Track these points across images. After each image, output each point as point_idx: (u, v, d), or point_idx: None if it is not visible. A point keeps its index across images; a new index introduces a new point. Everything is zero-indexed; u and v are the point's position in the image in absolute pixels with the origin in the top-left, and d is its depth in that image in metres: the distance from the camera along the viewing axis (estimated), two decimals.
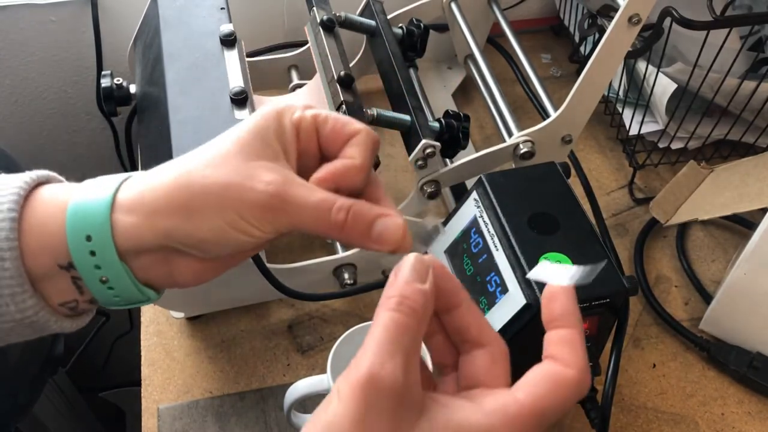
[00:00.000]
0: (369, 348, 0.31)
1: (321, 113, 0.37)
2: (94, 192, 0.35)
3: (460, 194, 0.77)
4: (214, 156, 0.35)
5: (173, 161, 0.36)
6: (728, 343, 0.71)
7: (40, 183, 0.36)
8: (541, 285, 0.54)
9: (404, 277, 0.33)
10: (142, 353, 0.70)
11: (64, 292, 0.35)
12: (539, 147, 0.69)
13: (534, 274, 0.37)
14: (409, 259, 0.34)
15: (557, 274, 0.36)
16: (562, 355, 0.33)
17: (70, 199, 0.35)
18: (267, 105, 0.37)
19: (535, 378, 0.33)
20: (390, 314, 0.32)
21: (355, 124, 0.37)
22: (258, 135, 0.35)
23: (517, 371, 0.63)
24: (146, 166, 0.67)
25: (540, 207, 0.60)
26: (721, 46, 0.71)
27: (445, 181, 0.69)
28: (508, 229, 0.58)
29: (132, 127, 0.96)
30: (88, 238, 0.34)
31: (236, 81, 0.66)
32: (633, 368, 0.71)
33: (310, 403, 0.61)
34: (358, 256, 0.69)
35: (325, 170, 0.36)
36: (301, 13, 0.98)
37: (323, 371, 0.66)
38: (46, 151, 1.06)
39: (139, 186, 0.35)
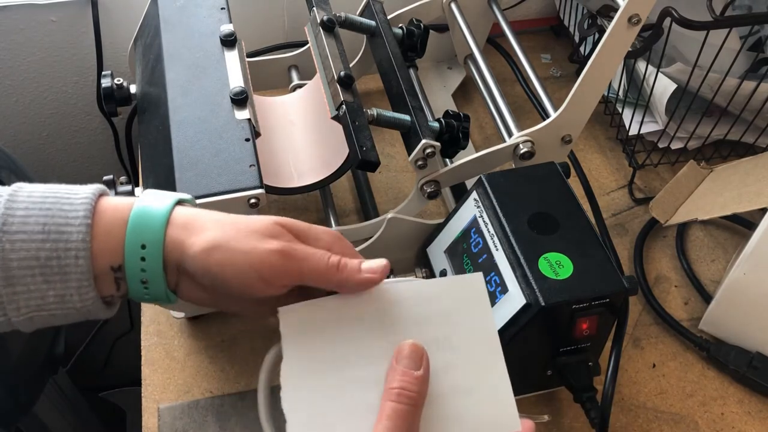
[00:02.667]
0: None
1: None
2: (151, 206, 0.43)
3: (460, 194, 0.77)
4: (242, 229, 0.43)
5: (208, 214, 0.44)
6: (728, 343, 0.71)
7: (101, 194, 0.43)
8: (542, 285, 0.54)
9: (403, 366, 0.40)
10: (143, 353, 0.70)
11: (107, 288, 0.43)
12: (539, 147, 0.69)
13: None
14: (406, 348, 0.41)
15: None
16: None
17: (131, 208, 0.42)
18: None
19: None
20: (393, 405, 0.39)
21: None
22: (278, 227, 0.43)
23: (516, 371, 0.63)
24: (146, 167, 0.67)
25: (540, 207, 0.60)
26: (721, 46, 0.71)
27: (445, 181, 0.69)
28: (508, 229, 0.58)
29: (132, 127, 0.96)
30: (143, 246, 0.41)
31: (236, 81, 0.66)
32: (633, 368, 0.71)
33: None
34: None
35: None
36: (301, 13, 0.98)
37: None
38: (46, 151, 1.06)
39: (191, 211, 0.43)
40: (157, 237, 0.42)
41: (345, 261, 0.43)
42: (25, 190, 0.42)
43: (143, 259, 0.42)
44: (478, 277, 0.45)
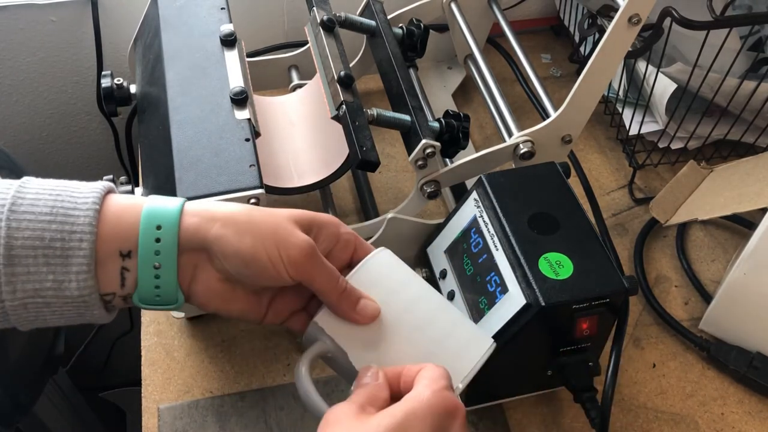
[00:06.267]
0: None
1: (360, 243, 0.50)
2: (164, 199, 0.44)
3: (460, 194, 0.77)
4: (273, 211, 0.46)
5: (222, 205, 0.45)
6: (728, 343, 0.71)
7: (110, 190, 0.44)
8: (542, 285, 0.54)
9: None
10: (143, 353, 0.70)
11: (110, 283, 0.42)
12: (539, 147, 0.69)
13: None
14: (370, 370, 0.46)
15: None
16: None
17: (144, 201, 0.43)
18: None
19: None
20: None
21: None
22: (310, 218, 0.47)
23: (517, 370, 0.63)
24: (146, 167, 0.67)
25: (540, 207, 0.60)
26: (721, 46, 0.71)
27: (445, 181, 0.69)
28: (508, 229, 0.58)
29: (132, 127, 0.96)
30: (158, 227, 0.42)
31: (236, 81, 0.66)
32: (633, 368, 0.71)
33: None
34: None
35: None
36: (301, 13, 0.98)
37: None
38: (46, 151, 1.06)
39: (204, 203, 0.45)
40: (173, 217, 0.43)
41: (348, 291, 0.46)
42: (37, 180, 0.43)
43: (158, 240, 0.42)
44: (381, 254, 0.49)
